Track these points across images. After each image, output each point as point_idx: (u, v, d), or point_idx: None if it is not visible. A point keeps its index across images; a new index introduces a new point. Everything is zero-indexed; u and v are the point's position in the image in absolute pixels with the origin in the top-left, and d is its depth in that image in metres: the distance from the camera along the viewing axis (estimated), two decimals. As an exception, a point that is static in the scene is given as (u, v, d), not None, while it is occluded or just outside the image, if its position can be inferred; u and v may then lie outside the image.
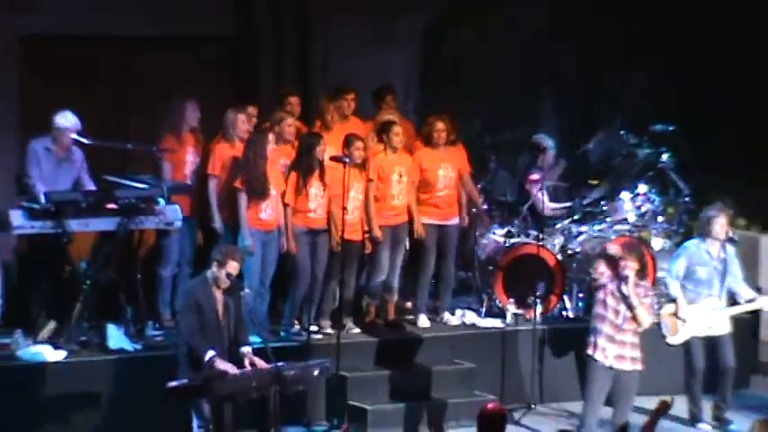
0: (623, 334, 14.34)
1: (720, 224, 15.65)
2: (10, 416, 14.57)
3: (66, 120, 15.58)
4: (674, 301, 15.79)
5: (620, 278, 14.32)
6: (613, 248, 15.13)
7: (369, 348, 16.16)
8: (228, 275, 13.55)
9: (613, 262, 14.62)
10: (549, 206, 17.40)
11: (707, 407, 15.83)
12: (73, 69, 17.35)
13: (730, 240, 15.82)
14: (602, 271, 14.47)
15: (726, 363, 15.72)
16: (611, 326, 14.36)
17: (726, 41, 19.04)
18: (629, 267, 14.30)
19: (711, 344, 15.73)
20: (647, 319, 14.34)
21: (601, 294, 14.47)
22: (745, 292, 15.87)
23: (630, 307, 14.28)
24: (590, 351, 14.46)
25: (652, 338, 16.13)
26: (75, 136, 15.76)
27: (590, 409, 14.41)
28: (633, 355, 14.41)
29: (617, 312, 14.35)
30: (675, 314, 15.79)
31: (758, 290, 16.60)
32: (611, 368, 14.37)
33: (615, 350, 14.35)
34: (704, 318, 15.72)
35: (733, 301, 15.87)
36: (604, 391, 14.42)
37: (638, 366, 14.44)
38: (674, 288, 15.80)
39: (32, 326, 15.36)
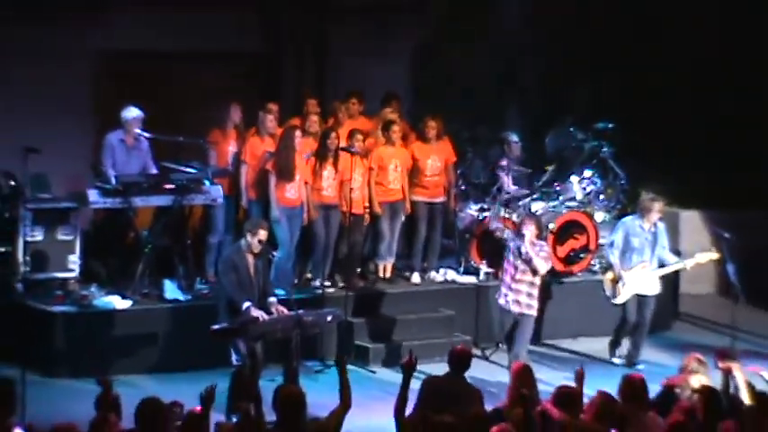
0: (519, 284, 14.54)
1: (657, 209, 15.70)
2: (88, 350, 14.82)
3: (131, 113, 15.77)
4: (611, 267, 15.79)
5: (521, 238, 14.52)
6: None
7: (371, 299, 16.26)
8: (259, 241, 13.70)
9: (518, 227, 15.09)
10: (511, 188, 17.28)
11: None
12: (137, 78, 17.23)
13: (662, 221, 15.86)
14: (507, 235, 15.11)
15: (644, 320, 15.74)
16: (510, 277, 14.61)
17: (648, 59, 18.95)
18: (527, 229, 14.48)
19: (639, 301, 15.73)
20: (542, 267, 14.51)
21: (506, 252, 14.73)
22: (670, 258, 15.88)
23: (528, 260, 14.46)
24: (497, 296, 14.84)
25: (591, 293, 16.70)
26: (138, 130, 15.77)
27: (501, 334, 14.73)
28: (528, 302, 14.57)
29: (515, 267, 14.55)
30: (614, 279, 15.76)
31: (678, 253, 16.61)
32: (509, 311, 14.59)
33: (513, 296, 14.56)
34: (638, 280, 15.72)
35: (661, 265, 15.81)
36: (506, 327, 14.62)
37: (532, 312, 14.62)
38: (612, 256, 15.81)
39: (104, 281, 15.59)
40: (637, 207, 16.09)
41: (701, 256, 15.80)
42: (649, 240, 15.76)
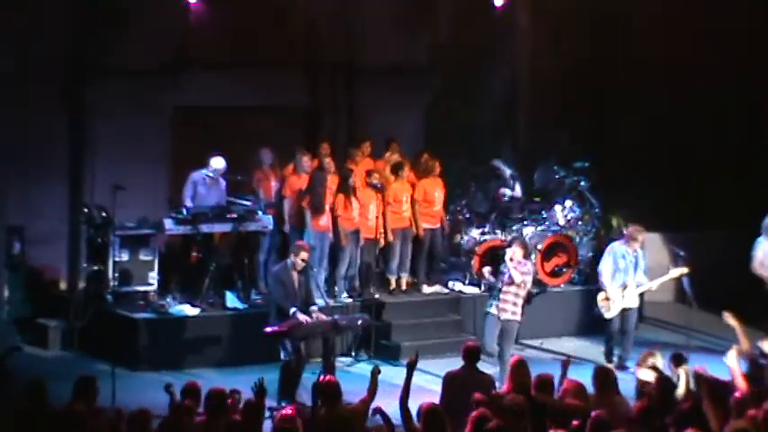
0: (506, 294, 14.24)
1: (641, 239, 15.42)
2: (165, 348, 15.00)
3: (218, 163, 15.78)
4: (603, 288, 15.40)
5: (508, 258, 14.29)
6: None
7: (391, 307, 16.18)
8: (302, 260, 13.80)
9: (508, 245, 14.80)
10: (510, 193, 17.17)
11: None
12: (203, 128, 17.14)
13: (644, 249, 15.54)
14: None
15: (629, 328, 15.44)
16: (498, 289, 14.35)
17: (616, 110, 18.84)
18: (512, 249, 14.33)
19: (624, 313, 15.42)
20: (517, 278, 14.11)
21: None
22: (642, 279, 15.46)
23: (509, 275, 14.20)
24: (486, 306, 14.48)
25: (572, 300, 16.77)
26: (205, 171, 15.73)
27: (486, 338, 14.22)
28: (512, 309, 14.24)
29: (502, 281, 14.32)
30: (606, 298, 15.38)
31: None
32: (498, 317, 14.29)
33: (500, 305, 14.27)
34: (624, 296, 15.39)
35: (640, 283, 15.46)
36: (493, 331, 14.24)
37: (516, 318, 14.27)
38: (604, 279, 15.42)
39: (179, 292, 15.63)
40: (624, 235, 15.76)
41: (674, 272, 15.45)
42: (633, 263, 15.40)
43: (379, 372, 10.58)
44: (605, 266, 15.46)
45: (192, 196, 15.78)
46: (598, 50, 18.83)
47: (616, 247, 15.54)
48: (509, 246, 14.79)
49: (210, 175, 15.84)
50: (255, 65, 17.23)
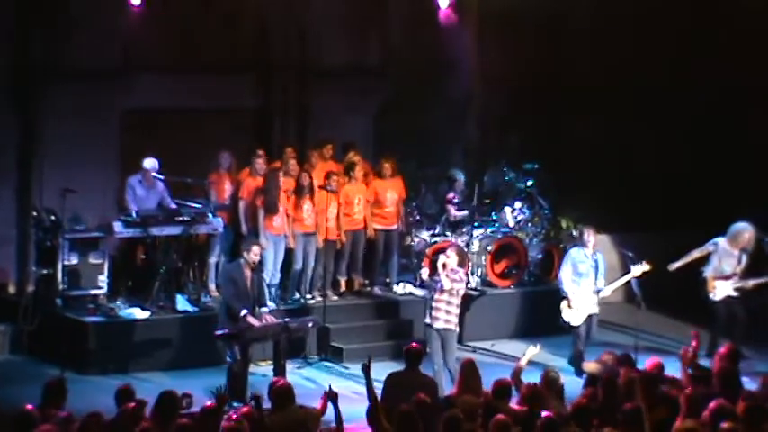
0: (438, 302, 14.00)
1: (592, 239, 15.22)
2: (114, 352, 14.93)
3: (149, 163, 15.78)
4: (566, 297, 15.17)
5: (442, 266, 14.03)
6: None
7: (343, 309, 16.20)
8: (255, 255, 13.76)
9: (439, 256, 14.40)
10: (457, 215, 17.17)
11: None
12: (153, 130, 16.93)
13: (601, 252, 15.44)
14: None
15: (592, 332, 15.23)
16: (431, 297, 14.12)
17: (565, 114, 18.85)
18: (446, 257, 14.02)
19: (588, 318, 15.19)
20: (447, 284, 13.85)
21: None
22: (602, 282, 15.27)
23: (442, 283, 13.97)
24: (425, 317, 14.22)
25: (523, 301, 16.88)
26: (155, 174, 15.74)
27: (430, 350, 13.85)
28: (446, 317, 13.99)
29: (435, 289, 14.09)
30: (569, 305, 15.13)
31: None
32: (431, 326, 14.02)
33: (434, 313, 14.03)
34: (587, 302, 15.18)
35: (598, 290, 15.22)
36: (433, 342, 13.94)
37: (449, 326, 13.98)
38: (565, 286, 15.19)
39: (129, 296, 15.56)
40: (578, 239, 15.66)
41: (635, 270, 15.18)
42: (593, 266, 15.21)
43: (335, 395, 10.33)
44: (565, 274, 15.23)
45: (133, 200, 15.76)
46: (547, 52, 18.82)
47: (573, 253, 15.35)
48: (443, 252, 14.49)
49: (153, 175, 15.82)
50: (206, 67, 17.18)
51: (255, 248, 13.84)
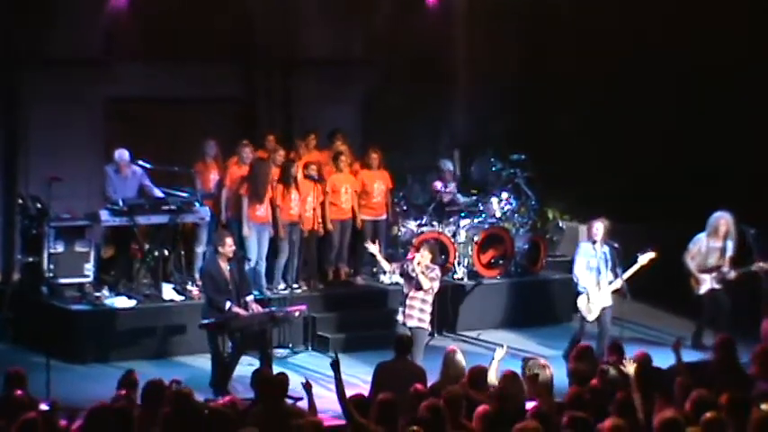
0: (413, 300, 13.75)
1: (600, 231, 14.89)
2: (102, 339, 14.92)
3: (117, 154, 15.70)
4: (583, 292, 14.90)
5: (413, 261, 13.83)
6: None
7: (328, 298, 16.23)
8: (229, 247, 13.69)
9: (416, 250, 14.29)
10: (445, 195, 17.07)
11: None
12: (139, 119, 17.14)
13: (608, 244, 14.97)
14: (406, 264, 13.94)
15: (607, 326, 14.94)
16: (405, 295, 13.87)
17: (551, 103, 18.81)
18: (420, 254, 13.82)
19: (601, 312, 14.89)
20: (425, 284, 13.67)
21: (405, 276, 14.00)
22: (612, 273, 14.91)
23: (417, 281, 13.74)
24: (396, 316, 14.02)
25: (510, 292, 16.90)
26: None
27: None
28: (419, 316, 13.75)
29: (410, 286, 13.85)
30: (587, 300, 14.88)
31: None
32: (404, 324, 13.75)
33: (407, 311, 13.79)
34: (600, 296, 14.93)
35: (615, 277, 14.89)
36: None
37: (423, 325, 13.74)
38: (581, 282, 14.94)
39: (115, 284, 15.58)
40: (587, 232, 15.49)
41: (642, 258, 14.95)
42: (603, 259, 14.93)
43: (310, 386, 10.30)
44: (579, 269, 14.99)
45: (112, 188, 15.77)
46: (535, 43, 19.05)
47: (583, 247, 15.14)
48: (417, 250, 14.30)
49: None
50: (190, 56, 17.20)
51: (228, 240, 13.82)
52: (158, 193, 15.89)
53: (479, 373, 10.78)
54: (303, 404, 10.33)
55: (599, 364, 11.28)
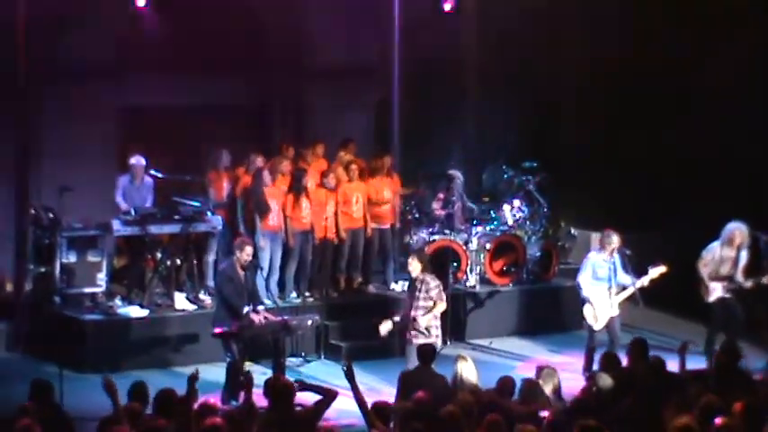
0: (419, 320, 13.45)
1: (613, 242, 14.78)
2: (114, 349, 14.96)
3: (134, 159, 15.84)
4: (588, 301, 14.79)
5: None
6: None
7: (341, 307, 16.26)
8: (248, 255, 13.72)
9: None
10: (441, 213, 17.01)
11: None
12: (151, 128, 17.11)
13: (620, 252, 14.88)
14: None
15: (616, 335, 14.84)
16: (408, 308, 13.63)
17: (560, 113, 18.97)
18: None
19: (609, 322, 14.81)
20: (442, 307, 13.50)
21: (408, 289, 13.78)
22: (625, 279, 14.83)
23: (425, 293, 13.50)
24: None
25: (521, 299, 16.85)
26: (152, 172, 15.86)
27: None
28: (425, 336, 13.39)
29: (412, 299, 13.58)
30: (592, 310, 14.77)
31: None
32: (410, 342, 13.40)
33: (414, 332, 13.47)
34: (606, 305, 14.81)
35: (623, 288, 14.80)
36: (410, 356, 13.07)
37: (418, 340, 13.27)
38: (585, 291, 14.82)
39: (128, 294, 15.63)
40: (599, 242, 15.24)
41: (653, 272, 14.90)
42: (612, 269, 14.82)
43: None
44: (584, 278, 14.89)
45: (125, 199, 15.81)
46: (545, 51, 19.04)
47: (592, 257, 15.03)
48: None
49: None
50: (203, 65, 17.24)
51: (248, 249, 13.83)
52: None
53: (508, 383, 10.82)
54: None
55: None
